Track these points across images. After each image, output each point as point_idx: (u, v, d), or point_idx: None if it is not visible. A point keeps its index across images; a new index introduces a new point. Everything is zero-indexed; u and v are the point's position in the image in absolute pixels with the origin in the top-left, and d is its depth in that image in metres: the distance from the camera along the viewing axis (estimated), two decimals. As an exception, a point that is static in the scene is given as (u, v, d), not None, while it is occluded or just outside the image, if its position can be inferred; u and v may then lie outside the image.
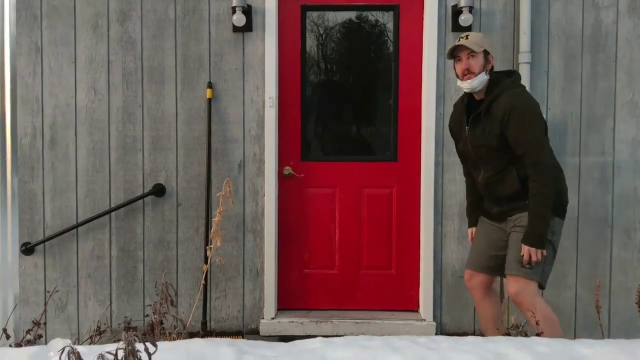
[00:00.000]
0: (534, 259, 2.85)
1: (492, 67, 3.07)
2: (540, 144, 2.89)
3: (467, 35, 3.04)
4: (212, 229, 3.47)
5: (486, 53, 3.03)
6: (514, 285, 2.94)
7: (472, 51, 2.97)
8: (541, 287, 3.01)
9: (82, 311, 4.12)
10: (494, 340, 2.51)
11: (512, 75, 3.09)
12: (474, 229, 3.42)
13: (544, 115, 3.93)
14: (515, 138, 2.88)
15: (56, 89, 4.09)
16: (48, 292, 4.03)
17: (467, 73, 3.00)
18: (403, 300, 4.24)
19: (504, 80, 3.01)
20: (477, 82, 2.99)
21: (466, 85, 3.02)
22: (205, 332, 3.86)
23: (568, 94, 4.03)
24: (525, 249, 2.87)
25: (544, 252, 2.87)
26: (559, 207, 2.99)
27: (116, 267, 4.12)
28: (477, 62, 2.99)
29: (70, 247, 4.11)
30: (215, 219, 3.47)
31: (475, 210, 3.40)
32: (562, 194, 3.03)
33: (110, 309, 4.11)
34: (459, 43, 3.00)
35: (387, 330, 3.91)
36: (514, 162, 2.95)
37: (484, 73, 2.98)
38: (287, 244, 4.24)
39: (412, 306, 4.22)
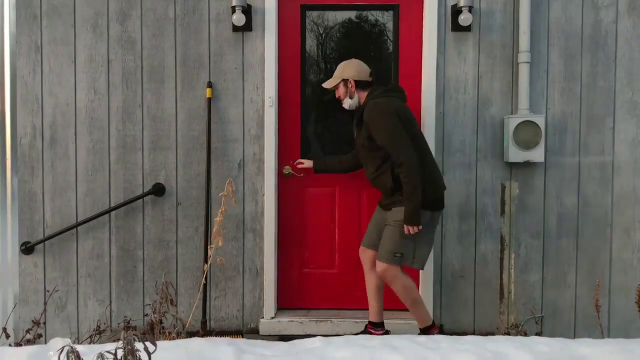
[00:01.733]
0: (412, 232, 3.35)
1: (358, 85, 3.62)
2: (395, 144, 3.37)
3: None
4: (214, 229, 3.47)
5: (346, 81, 3.64)
6: (380, 266, 3.52)
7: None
8: (421, 267, 3.59)
9: (82, 310, 4.12)
10: (493, 339, 2.51)
11: (386, 87, 3.64)
12: (310, 162, 4.04)
13: (545, 116, 3.95)
14: (379, 141, 3.43)
15: (56, 88, 4.09)
16: (48, 291, 4.04)
17: (340, 99, 3.72)
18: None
19: (372, 93, 3.58)
20: (347, 105, 3.71)
21: (344, 107, 3.74)
22: (205, 331, 3.86)
23: (568, 93, 4.03)
24: (404, 226, 3.37)
25: (417, 227, 3.35)
26: (424, 201, 3.37)
27: (116, 266, 4.12)
28: (340, 91, 3.69)
29: (70, 247, 4.11)
30: (217, 219, 3.46)
31: (328, 163, 4.06)
32: (426, 190, 3.38)
33: (110, 308, 4.11)
34: (322, 85, 3.80)
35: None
36: (389, 161, 3.45)
37: (348, 98, 3.67)
38: (286, 243, 4.24)
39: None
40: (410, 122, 3.48)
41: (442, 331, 4.03)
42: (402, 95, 3.62)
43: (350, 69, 3.65)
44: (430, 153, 3.61)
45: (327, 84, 3.74)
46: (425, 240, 3.51)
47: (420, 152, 3.44)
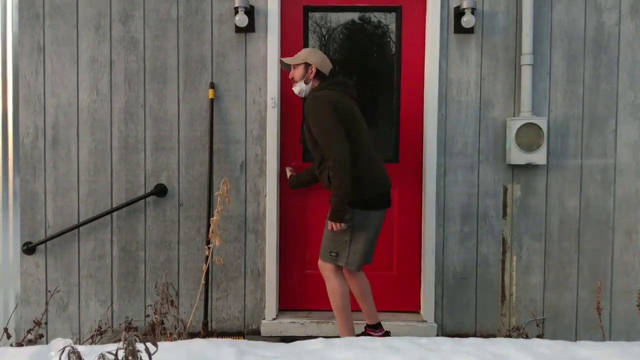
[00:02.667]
0: (334, 228, 3.35)
1: (317, 75, 3.55)
2: (325, 138, 3.32)
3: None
4: (211, 229, 3.48)
5: (307, 65, 3.55)
6: (319, 262, 3.56)
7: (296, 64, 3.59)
8: (357, 268, 3.53)
9: (83, 311, 4.13)
10: (495, 341, 2.51)
11: (332, 80, 3.57)
12: (290, 171, 4.05)
13: (547, 119, 3.95)
14: (314, 135, 3.39)
15: (58, 88, 4.09)
16: (49, 291, 4.04)
17: (293, 81, 3.63)
18: (404, 302, 4.24)
19: (320, 85, 3.54)
20: (297, 89, 3.60)
21: (294, 90, 3.63)
22: (206, 332, 3.86)
23: (570, 96, 4.03)
24: (329, 222, 3.38)
25: (340, 225, 3.34)
26: (358, 200, 3.37)
27: (117, 267, 4.12)
28: (297, 72, 3.58)
29: (72, 247, 4.11)
30: (214, 219, 3.47)
31: (301, 175, 3.94)
32: (360, 189, 3.36)
33: (112, 308, 4.12)
34: (281, 59, 3.73)
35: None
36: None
37: (303, 82, 3.57)
38: (288, 244, 4.24)
39: (413, 307, 4.22)
40: (351, 117, 3.40)
41: (443, 333, 4.04)
42: (347, 90, 3.54)
43: (316, 56, 3.58)
44: (374, 151, 3.52)
45: (287, 60, 3.64)
46: (363, 241, 3.45)
47: (360, 149, 3.39)
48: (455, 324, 4.08)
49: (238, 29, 4.04)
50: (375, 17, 4.25)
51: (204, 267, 3.65)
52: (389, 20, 4.23)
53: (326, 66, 3.59)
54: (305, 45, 4.20)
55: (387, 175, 3.56)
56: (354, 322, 3.94)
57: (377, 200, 3.49)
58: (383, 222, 3.60)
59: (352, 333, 3.54)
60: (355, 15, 4.27)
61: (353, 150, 3.32)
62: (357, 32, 4.32)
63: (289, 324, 4.05)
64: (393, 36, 4.23)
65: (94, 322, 4.06)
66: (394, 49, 4.22)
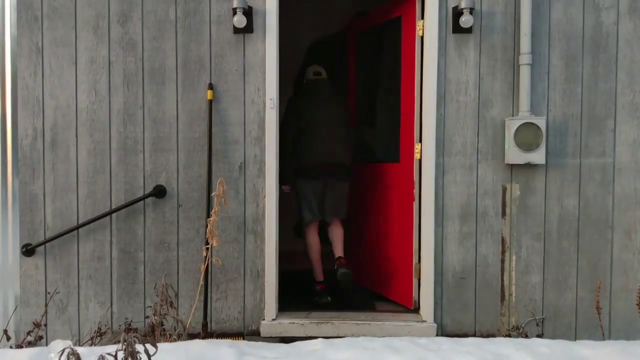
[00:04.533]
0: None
1: None
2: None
3: None
4: (208, 229, 3.47)
5: None
6: None
7: None
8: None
9: (83, 312, 4.12)
10: (494, 341, 2.52)
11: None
12: None
13: (545, 118, 3.95)
14: None
15: (57, 90, 4.09)
16: (49, 293, 4.04)
17: None
18: (404, 301, 4.24)
19: None
20: None
21: None
22: (206, 333, 3.86)
23: (569, 95, 4.03)
24: None
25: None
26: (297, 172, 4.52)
27: (117, 268, 4.11)
28: None
29: (71, 249, 4.11)
30: (211, 219, 3.47)
31: None
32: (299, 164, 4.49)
33: (111, 310, 4.11)
34: None
35: (388, 331, 3.91)
36: None
37: None
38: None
39: (406, 302, 4.22)
40: (299, 112, 4.52)
41: (443, 333, 4.04)
42: (316, 91, 4.59)
43: None
44: (319, 136, 4.45)
45: None
46: (302, 199, 4.60)
47: (306, 134, 4.48)
48: (455, 323, 4.08)
49: (236, 30, 4.03)
50: (381, 29, 4.28)
51: (202, 268, 3.65)
52: (387, 25, 4.25)
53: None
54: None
55: (327, 152, 4.43)
56: (356, 322, 3.95)
57: (307, 171, 4.51)
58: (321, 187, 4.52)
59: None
60: (366, 32, 4.33)
61: (299, 135, 4.44)
62: (356, 37, 4.35)
63: (289, 324, 4.05)
64: (395, 44, 4.26)
65: (93, 323, 4.05)
66: (396, 55, 4.24)
